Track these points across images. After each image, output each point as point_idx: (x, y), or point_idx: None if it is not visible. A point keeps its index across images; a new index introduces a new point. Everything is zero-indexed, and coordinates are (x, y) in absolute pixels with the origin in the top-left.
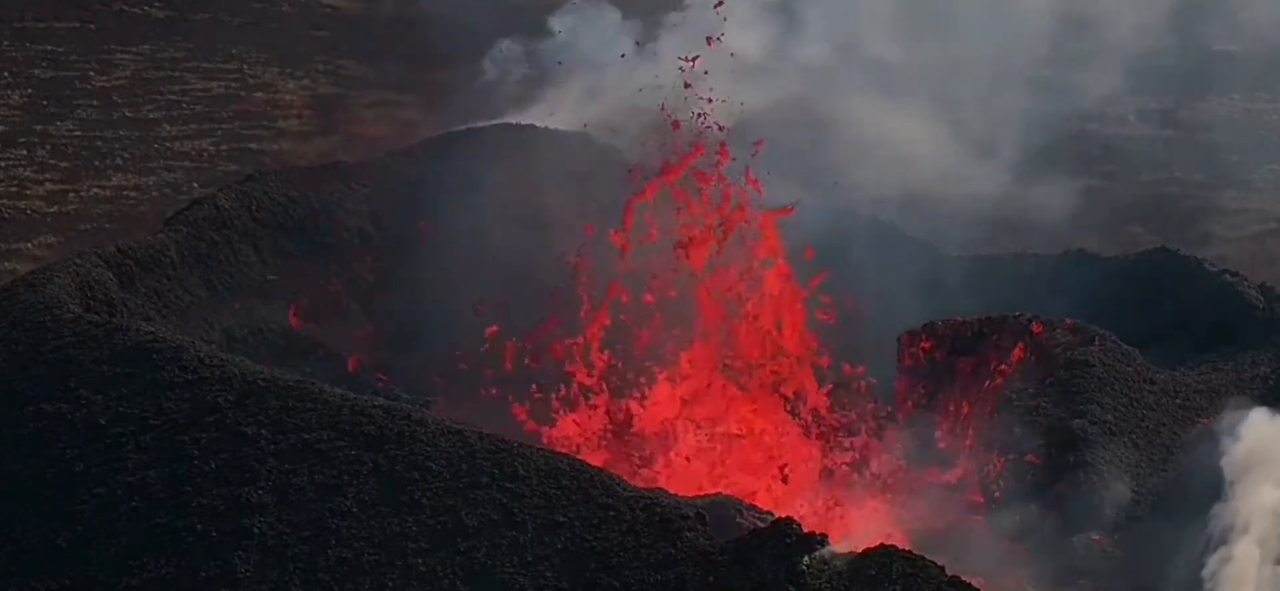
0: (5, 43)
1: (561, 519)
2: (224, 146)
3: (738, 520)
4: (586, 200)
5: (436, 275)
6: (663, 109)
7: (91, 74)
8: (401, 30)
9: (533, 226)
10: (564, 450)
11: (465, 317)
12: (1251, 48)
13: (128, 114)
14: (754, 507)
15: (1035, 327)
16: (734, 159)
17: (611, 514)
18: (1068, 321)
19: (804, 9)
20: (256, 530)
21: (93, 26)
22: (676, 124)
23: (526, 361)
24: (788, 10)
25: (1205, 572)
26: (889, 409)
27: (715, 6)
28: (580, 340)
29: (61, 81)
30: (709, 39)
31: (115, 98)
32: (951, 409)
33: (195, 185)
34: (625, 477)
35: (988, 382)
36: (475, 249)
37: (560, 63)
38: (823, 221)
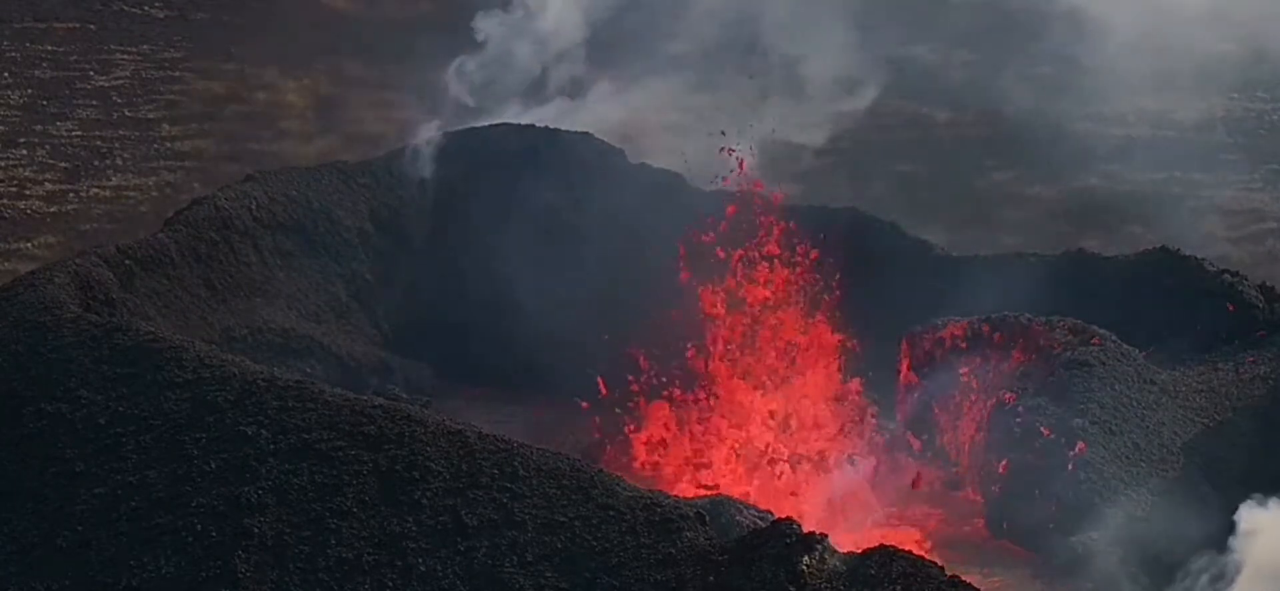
0: (5, 43)
1: (561, 519)
2: (224, 146)
3: (737, 519)
4: (588, 200)
5: (437, 275)
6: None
7: (91, 74)
8: (401, 30)
9: (534, 226)
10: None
11: (465, 318)
12: (1251, 47)
13: (128, 114)
14: (753, 507)
15: (1035, 327)
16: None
17: (611, 514)
18: (1068, 321)
19: None
20: (256, 530)
21: (93, 26)
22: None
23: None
24: None
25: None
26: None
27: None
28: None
29: (61, 81)
30: None
31: (115, 98)
32: (951, 409)
33: (195, 185)
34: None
35: (988, 382)
36: (475, 248)
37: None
38: (823, 220)
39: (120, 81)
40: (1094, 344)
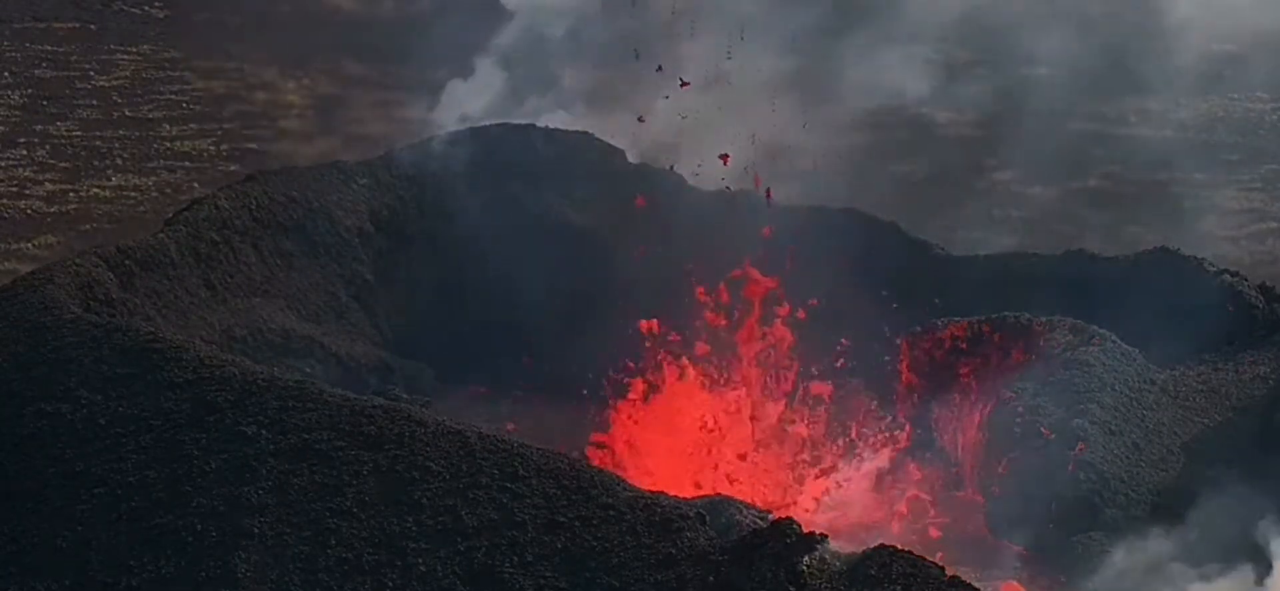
0: (5, 43)
1: (561, 519)
2: (224, 146)
3: (737, 519)
4: (587, 200)
5: (437, 275)
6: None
7: (91, 74)
8: (401, 30)
9: (533, 226)
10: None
11: (465, 318)
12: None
13: (128, 114)
14: (753, 507)
15: (1035, 327)
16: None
17: (611, 514)
18: (1068, 321)
19: None
20: (256, 530)
21: (93, 26)
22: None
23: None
24: None
25: None
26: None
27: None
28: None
29: (61, 81)
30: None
31: (115, 98)
32: (951, 409)
33: (195, 185)
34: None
35: (988, 382)
36: (475, 249)
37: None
38: (822, 221)
39: (120, 81)
40: (1094, 344)
